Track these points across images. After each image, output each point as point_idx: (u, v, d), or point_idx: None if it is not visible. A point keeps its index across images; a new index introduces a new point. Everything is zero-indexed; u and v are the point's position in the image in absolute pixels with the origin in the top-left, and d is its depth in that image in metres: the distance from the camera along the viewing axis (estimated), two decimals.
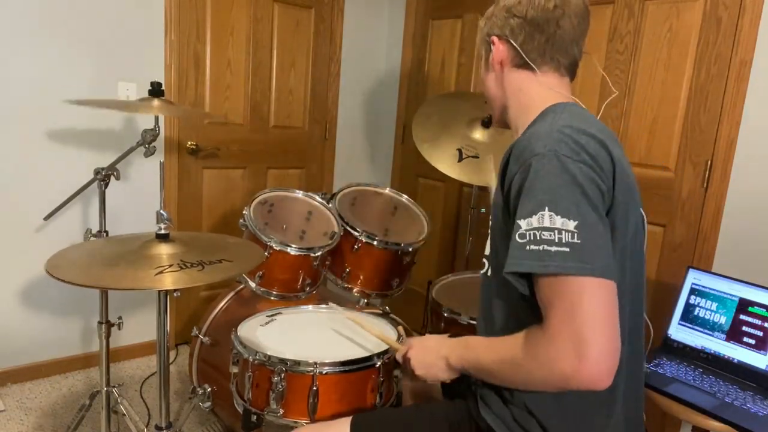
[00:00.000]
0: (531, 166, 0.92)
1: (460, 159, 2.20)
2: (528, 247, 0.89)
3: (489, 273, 1.13)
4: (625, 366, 1.02)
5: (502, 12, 1.13)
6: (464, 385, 1.18)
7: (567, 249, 0.87)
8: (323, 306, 1.70)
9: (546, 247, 0.88)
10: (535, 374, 0.92)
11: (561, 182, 0.90)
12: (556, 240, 0.87)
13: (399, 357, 1.25)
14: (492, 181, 1.55)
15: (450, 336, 1.47)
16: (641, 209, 1.07)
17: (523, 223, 0.90)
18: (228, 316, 2.00)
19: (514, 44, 1.11)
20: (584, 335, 0.85)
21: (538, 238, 0.88)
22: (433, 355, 1.15)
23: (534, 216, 0.89)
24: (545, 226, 0.88)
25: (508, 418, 1.04)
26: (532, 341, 0.93)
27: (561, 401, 1.00)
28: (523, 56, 1.11)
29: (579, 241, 0.87)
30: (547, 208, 0.89)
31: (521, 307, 1.01)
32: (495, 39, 1.14)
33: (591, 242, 0.87)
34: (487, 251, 1.15)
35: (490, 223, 1.11)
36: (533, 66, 1.11)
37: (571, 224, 0.88)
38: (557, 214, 0.88)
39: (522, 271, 0.91)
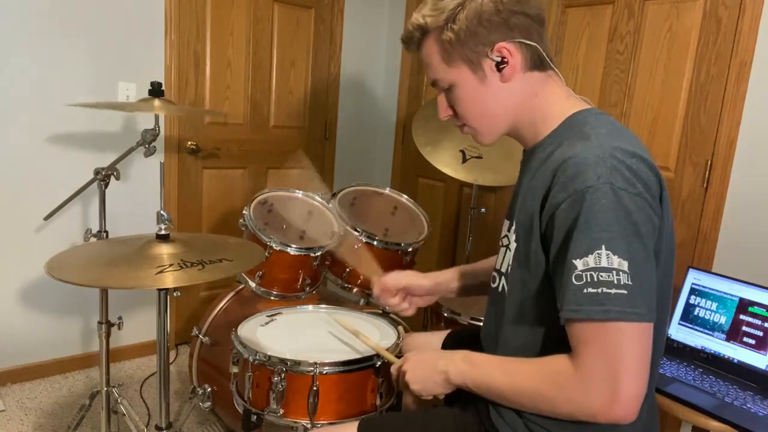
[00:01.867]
0: (584, 200, 0.86)
1: (464, 160, 2.20)
2: (585, 290, 0.85)
3: (501, 290, 1.08)
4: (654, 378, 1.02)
5: (494, 12, 0.98)
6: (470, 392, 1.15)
7: (625, 291, 0.84)
8: (323, 307, 1.70)
9: (605, 289, 0.84)
10: (561, 407, 0.91)
11: (616, 218, 0.85)
12: (615, 281, 0.84)
13: (394, 371, 1.20)
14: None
15: (450, 333, 1.48)
16: None
17: (579, 263, 0.86)
18: (228, 316, 2.00)
19: (532, 45, 1.00)
20: (621, 378, 0.84)
21: (595, 279, 0.85)
22: (429, 370, 1.09)
23: (590, 255, 0.85)
24: (603, 266, 0.84)
25: (521, 428, 1.02)
26: (561, 376, 0.90)
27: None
28: (541, 57, 1.01)
29: (631, 283, 0.84)
30: (604, 246, 0.85)
31: (544, 332, 0.98)
32: (505, 45, 0.99)
33: (640, 285, 0.85)
34: (500, 266, 1.10)
35: (511, 240, 1.05)
36: (551, 65, 1.03)
37: (626, 264, 0.84)
38: (614, 254, 0.84)
39: (581, 318, 0.86)
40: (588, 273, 0.85)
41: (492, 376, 1.00)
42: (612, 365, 0.85)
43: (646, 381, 0.86)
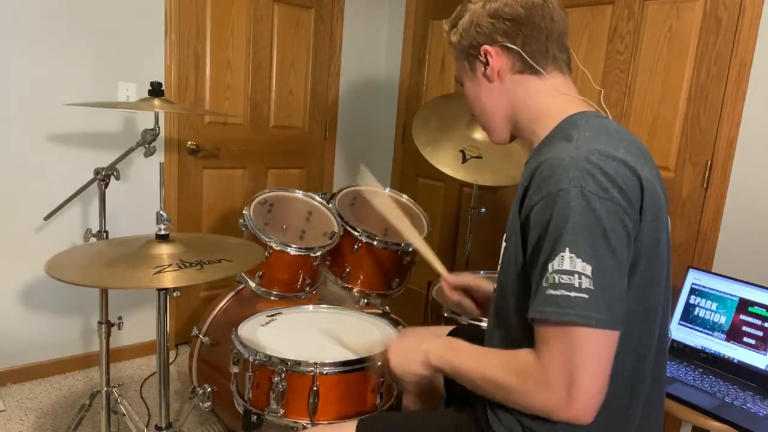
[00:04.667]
0: (555, 203, 0.87)
1: (464, 160, 2.20)
2: (548, 292, 0.86)
3: (495, 288, 1.10)
4: (648, 387, 1.01)
5: (486, 18, 1.05)
6: (471, 393, 1.14)
7: (585, 296, 0.84)
8: (323, 307, 1.70)
9: (565, 291, 0.85)
10: (521, 399, 0.93)
11: (584, 222, 0.86)
12: (576, 285, 0.85)
13: (380, 359, 1.22)
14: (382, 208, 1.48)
15: (451, 332, 1.48)
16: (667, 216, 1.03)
17: (549, 267, 0.87)
18: (228, 316, 2.00)
19: (516, 49, 1.04)
20: (576, 381, 0.85)
21: (556, 281, 0.86)
22: (412, 350, 1.12)
23: (555, 258, 0.86)
24: (565, 269, 0.85)
25: (518, 430, 1.02)
26: (524, 368, 0.92)
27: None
28: (527, 60, 1.04)
29: (593, 288, 0.84)
30: (567, 249, 0.85)
31: (522, 331, 0.98)
32: (488, 48, 1.06)
33: (604, 290, 0.85)
34: (498, 266, 1.11)
35: (504, 244, 1.06)
36: (539, 69, 1.05)
37: (589, 269, 0.85)
38: (578, 257, 0.85)
39: (541, 319, 0.88)
40: (552, 275, 0.86)
41: (465, 362, 1.02)
42: (568, 368, 0.86)
43: (603, 386, 0.87)
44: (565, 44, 1.08)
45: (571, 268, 0.85)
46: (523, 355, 0.93)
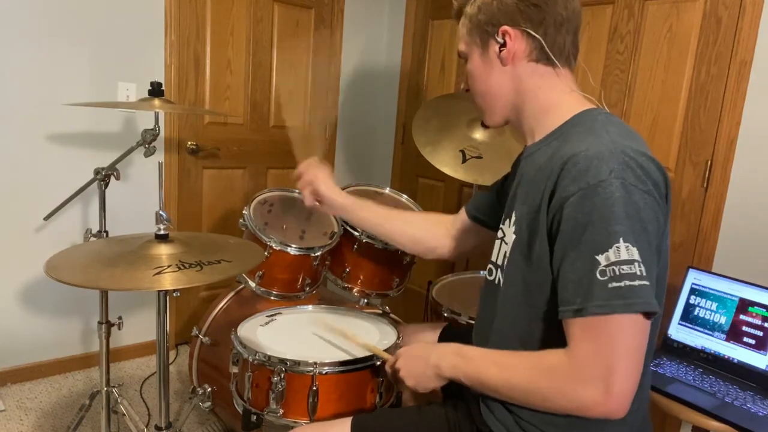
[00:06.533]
0: (597, 194, 0.86)
1: (464, 160, 2.20)
2: (610, 285, 0.85)
3: (498, 282, 1.08)
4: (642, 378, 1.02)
5: None
6: (465, 387, 1.16)
7: (647, 282, 0.85)
8: (323, 307, 1.70)
9: (628, 282, 0.84)
10: (554, 401, 0.91)
11: (626, 213, 0.86)
12: (638, 273, 0.84)
13: (388, 368, 1.22)
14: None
15: (446, 327, 1.48)
16: None
17: (602, 259, 0.85)
18: (228, 316, 2.00)
19: (537, 37, 1.01)
20: (616, 372, 0.84)
21: (617, 273, 0.84)
22: (421, 365, 1.10)
23: (610, 249, 0.85)
24: (624, 258, 0.85)
25: (511, 423, 1.02)
26: (556, 369, 0.90)
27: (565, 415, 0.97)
28: (546, 51, 1.02)
29: (646, 275, 0.85)
30: (622, 239, 0.85)
31: (540, 324, 0.98)
32: (508, 29, 1.02)
33: (650, 279, 0.86)
34: (495, 258, 1.10)
35: (507, 233, 1.05)
36: (555, 62, 1.03)
37: (640, 257, 0.85)
38: (633, 246, 0.85)
39: (603, 312, 0.85)
40: (611, 268, 0.85)
41: (485, 369, 1.00)
42: (610, 356, 0.85)
43: (638, 377, 0.87)
44: (577, 40, 1.06)
45: (629, 257, 0.85)
46: (553, 355, 0.91)
